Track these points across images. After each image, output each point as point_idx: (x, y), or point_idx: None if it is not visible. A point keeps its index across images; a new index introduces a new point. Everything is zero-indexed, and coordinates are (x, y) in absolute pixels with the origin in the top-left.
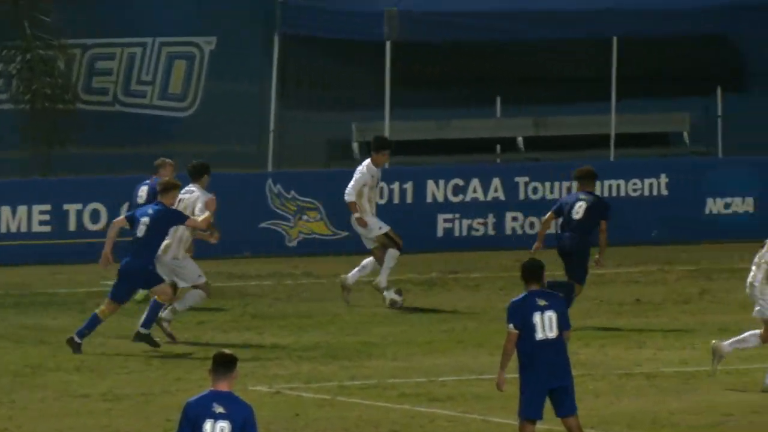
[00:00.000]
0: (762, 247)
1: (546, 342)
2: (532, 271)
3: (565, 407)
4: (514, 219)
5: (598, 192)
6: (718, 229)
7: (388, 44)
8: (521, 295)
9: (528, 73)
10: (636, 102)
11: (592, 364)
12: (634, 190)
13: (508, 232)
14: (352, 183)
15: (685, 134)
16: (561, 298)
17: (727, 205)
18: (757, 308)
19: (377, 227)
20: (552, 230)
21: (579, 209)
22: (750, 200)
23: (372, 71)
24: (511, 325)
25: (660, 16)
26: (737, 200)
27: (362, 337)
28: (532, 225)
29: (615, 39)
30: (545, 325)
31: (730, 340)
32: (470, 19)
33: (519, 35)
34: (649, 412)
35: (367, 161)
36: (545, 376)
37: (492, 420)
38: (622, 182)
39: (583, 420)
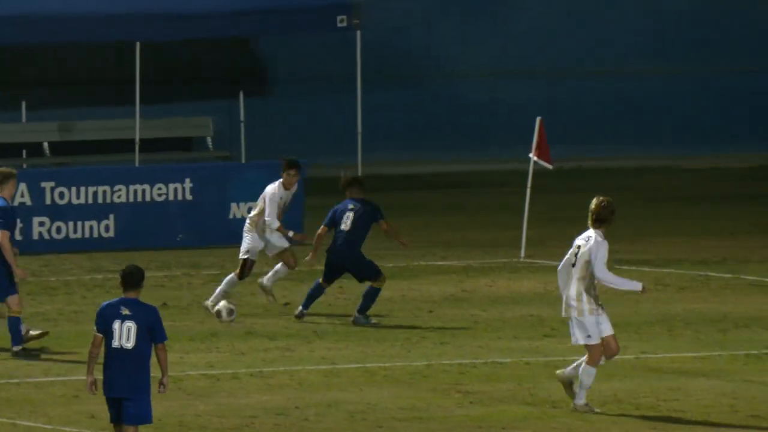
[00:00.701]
0: None
1: (121, 351)
2: (127, 278)
3: (127, 416)
4: (41, 224)
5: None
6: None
7: None
8: (111, 301)
9: (54, 77)
10: (161, 107)
11: None
12: (159, 195)
13: (36, 237)
14: None
15: (209, 139)
16: (151, 311)
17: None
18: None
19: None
20: None
21: (347, 220)
22: None
23: None
24: (95, 329)
25: (184, 21)
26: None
27: None
28: (59, 230)
29: (138, 44)
30: (122, 334)
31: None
32: None
33: (45, 38)
34: (176, 415)
35: None
36: (113, 383)
37: (21, 424)
38: (147, 187)
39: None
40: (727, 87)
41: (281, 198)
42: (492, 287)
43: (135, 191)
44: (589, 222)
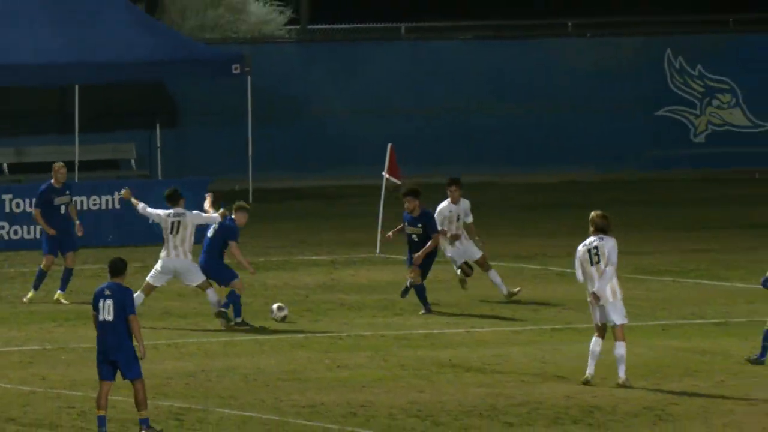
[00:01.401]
0: None
1: (105, 323)
2: (113, 267)
3: (126, 374)
4: (2, 228)
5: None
6: (161, 235)
7: None
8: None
9: (12, 111)
10: (95, 135)
11: None
12: (94, 205)
13: None
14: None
15: (133, 161)
16: (125, 291)
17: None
18: None
19: None
20: None
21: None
22: None
23: None
24: (92, 306)
25: (113, 68)
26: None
27: None
28: (16, 232)
29: (77, 86)
30: (105, 309)
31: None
32: None
33: (9, 82)
34: None
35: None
36: (104, 349)
37: None
38: (85, 198)
39: None
40: (530, 121)
41: (450, 212)
42: (354, 276)
43: (76, 202)
44: (592, 231)
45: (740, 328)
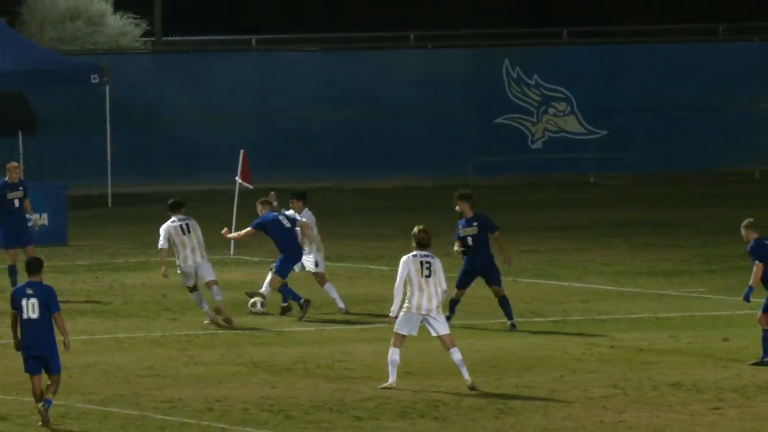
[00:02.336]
0: None
1: (30, 321)
2: (30, 266)
3: (52, 368)
4: None
5: None
6: None
7: None
8: (20, 285)
9: None
10: None
11: None
12: None
13: None
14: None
15: None
16: (48, 289)
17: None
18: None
19: None
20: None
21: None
22: (45, 215)
23: None
24: (11, 306)
25: None
26: (36, 216)
27: None
28: None
29: None
30: (29, 308)
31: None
32: None
33: None
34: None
35: None
36: (30, 345)
37: None
38: None
39: None
40: (369, 129)
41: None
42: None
43: None
44: (416, 247)
45: (577, 325)
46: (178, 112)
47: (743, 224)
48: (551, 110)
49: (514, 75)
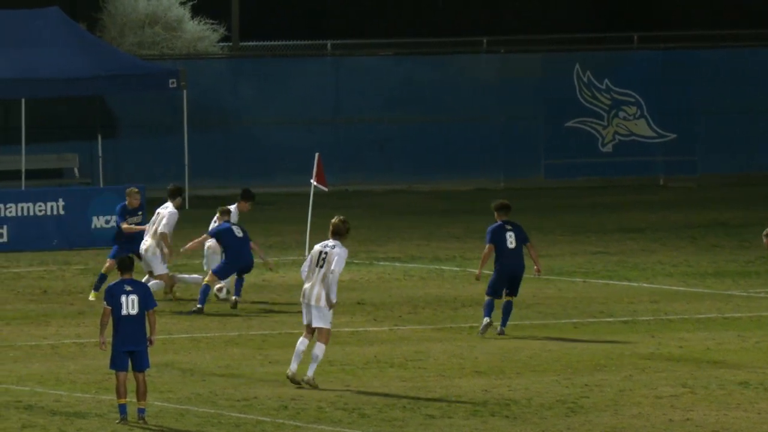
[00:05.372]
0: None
1: (128, 317)
2: (122, 264)
3: (136, 365)
4: None
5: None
6: (102, 239)
7: None
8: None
9: None
10: (40, 146)
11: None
12: (40, 210)
13: None
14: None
15: (76, 170)
16: (145, 286)
17: (108, 221)
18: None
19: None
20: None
21: (509, 238)
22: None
23: None
24: (105, 303)
25: (57, 83)
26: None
27: None
28: None
29: (23, 100)
30: (129, 304)
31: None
32: None
33: None
34: (53, 372)
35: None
36: (126, 340)
37: None
38: (31, 204)
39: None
40: (442, 133)
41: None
42: (285, 278)
43: (22, 208)
44: (330, 234)
45: (646, 325)
46: (254, 116)
47: None
48: (621, 114)
49: (585, 79)
